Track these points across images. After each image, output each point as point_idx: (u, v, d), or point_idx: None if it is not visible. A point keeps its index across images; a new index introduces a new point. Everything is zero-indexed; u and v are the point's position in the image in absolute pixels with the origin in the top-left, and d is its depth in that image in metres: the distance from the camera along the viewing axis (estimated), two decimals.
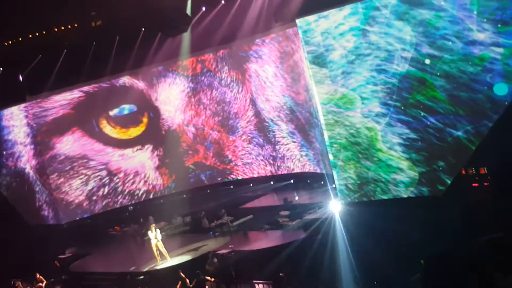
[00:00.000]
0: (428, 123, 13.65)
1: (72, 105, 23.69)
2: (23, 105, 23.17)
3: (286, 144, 20.88)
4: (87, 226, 23.16)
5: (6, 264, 17.63)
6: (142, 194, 24.28)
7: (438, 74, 13.35)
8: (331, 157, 15.66)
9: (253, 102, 21.56)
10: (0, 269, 17.62)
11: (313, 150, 19.48)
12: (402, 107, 14.04)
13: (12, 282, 17.88)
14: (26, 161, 23.67)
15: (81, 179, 23.96)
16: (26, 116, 23.33)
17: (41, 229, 22.73)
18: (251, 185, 22.32)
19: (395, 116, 14.18)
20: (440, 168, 13.61)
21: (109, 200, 24.19)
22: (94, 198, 24.09)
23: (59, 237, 21.84)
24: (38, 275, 17.23)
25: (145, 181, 24.24)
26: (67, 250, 21.39)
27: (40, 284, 17.17)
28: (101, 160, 24.08)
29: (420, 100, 13.72)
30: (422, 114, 13.72)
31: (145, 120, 24.11)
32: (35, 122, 23.39)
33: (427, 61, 13.51)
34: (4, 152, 23.75)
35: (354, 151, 15.04)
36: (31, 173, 23.76)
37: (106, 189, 24.13)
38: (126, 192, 24.25)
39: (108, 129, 24.07)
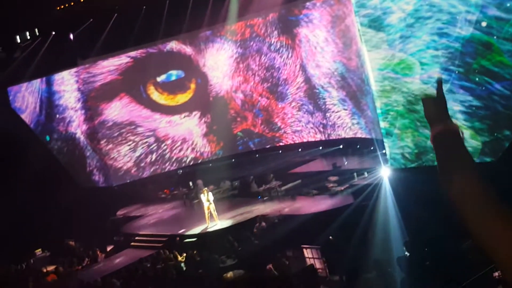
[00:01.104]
0: (493, 90, 13.20)
1: (120, 70, 24.14)
2: (73, 70, 23.77)
3: (337, 112, 20.74)
4: (138, 189, 24.05)
5: (60, 225, 18.59)
6: (189, 161, 24.74)
7: (506, 38, 12.87)
8: (385, 124, 15.48)
9: (303, 68, 21.40)
10: (54, 230, 18.60)
11: (364, 118, 19.30)
12: (465, 73, 13.62)
13: (66, 242, 18.95)
14: (77, 126, 24.46)
15: (129, 145, 24.61)
16: (77, 81, 23.96)
17: (93, 191, 23.75)
18: (300, 150, 22.43)
19: (457, 83, 13.79)
20: (505, 137, 13.28)
21: (157, 167, 24.79)
22: (142, 164, 24.76)
23: (110, 199, 22.83)
24: (90, 236, 18.24)
25: (193, 148, 24.66)
26: (119, 212, 22.36)
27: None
28: (149, 126, 24.59)
29: (485, 65, 13.28)
30: (487, 80, 13.32)
31: (192, 86, 24.35)
32: (85, 87, 24.06)
33: (494, 24, 13.03)
34: (56, 117, 24.62)
35: (412, 119, 14.72)
36: (82, 138, 24.60)
37: (154, 156, 24.72)
38: (173, 159, 24.75)
39: (156, 95, 24.46)
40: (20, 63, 21.94)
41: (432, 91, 1.96)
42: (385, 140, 15.62)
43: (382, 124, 15.72)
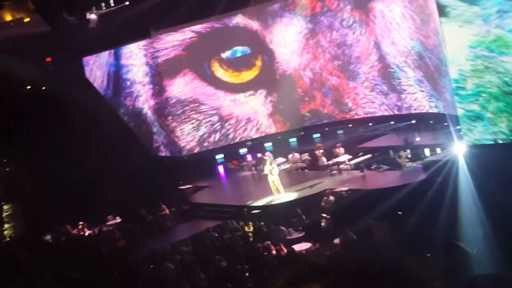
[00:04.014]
0: None
1: (184, 46, 24.79)
2: (142, 43, 24.75)
3: (413, 93, 20.71)
4: (207, 160, 25.07)
5: (131, 193, 20.06)
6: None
7: None
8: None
9: (377, 46, 21.47)
10: (125, 197, 20.08)
11: (443, 101, 19.09)
12: None
13: (136, 210, 20.54)
14: (144, 101, 25.50)
15: (192, 124, 25.45)
16: (145, 55, 24.92)
17: (164, 161, 25.05)
18: (371, 124, 22.83)
19: None
20: None
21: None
22: (206, 144, 25.58)
23: (180, 169, 23.98)
24: (162, 205, 19.73)
25: (258, 129, 25.29)
26: (188, 182, 23.60)
27: (164, 212, 19.75)
28: (213, 104, 25.28)
29: None
30: None
31: (258, 63, 24.83)
32: (153, 61, 24.93)
33: None
34: (123, 91, 25.74)
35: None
36: (149, 113, 25.62)
37: (218, 136, 25.50)
38: (237, 140, 25.44)
39: (220, 72, 25.05)
40: (92, 34, 23.27)
41: None
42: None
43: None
